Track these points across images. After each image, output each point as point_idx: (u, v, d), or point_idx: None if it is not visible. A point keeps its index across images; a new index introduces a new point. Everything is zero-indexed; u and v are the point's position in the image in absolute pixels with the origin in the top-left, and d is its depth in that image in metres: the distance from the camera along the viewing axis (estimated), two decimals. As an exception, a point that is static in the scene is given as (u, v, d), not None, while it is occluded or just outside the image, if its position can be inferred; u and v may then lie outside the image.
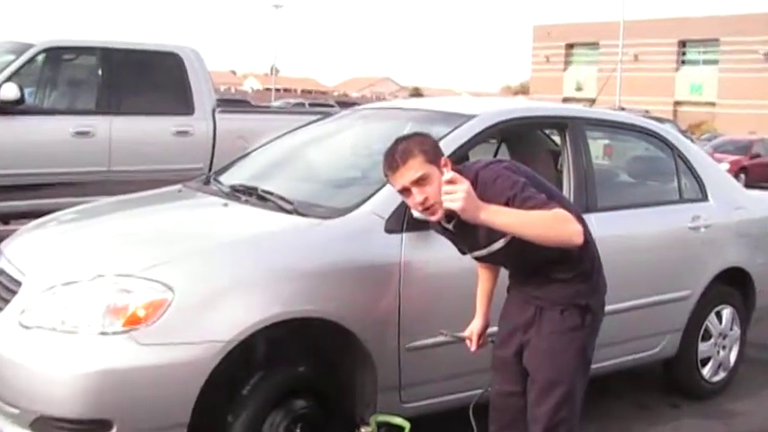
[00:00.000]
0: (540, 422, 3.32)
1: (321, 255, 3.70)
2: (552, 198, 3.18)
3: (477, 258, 3.43)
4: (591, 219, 4.37)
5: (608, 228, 4.57)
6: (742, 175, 24.34)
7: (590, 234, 3.38)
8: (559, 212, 3.05)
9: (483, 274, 3.65)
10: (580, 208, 4.39)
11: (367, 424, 3.36)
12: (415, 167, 3.07)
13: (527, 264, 3.30)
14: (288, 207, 4.02)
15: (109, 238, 4.01)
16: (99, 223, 4.43)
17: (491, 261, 3.47)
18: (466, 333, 3.65)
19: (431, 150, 3.13)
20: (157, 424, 3.33)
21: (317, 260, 3.68)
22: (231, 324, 3.38)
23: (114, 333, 3.27)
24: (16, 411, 3.36)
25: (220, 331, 3.36)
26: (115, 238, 4.00)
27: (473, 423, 3.63)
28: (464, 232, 3.25)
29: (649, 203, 5.32)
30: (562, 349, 3.29)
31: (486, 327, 3.65)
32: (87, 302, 3.34)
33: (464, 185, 2.91)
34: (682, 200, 5.49)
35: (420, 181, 3.08)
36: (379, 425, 3.37)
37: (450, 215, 3.16)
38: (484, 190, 3.03)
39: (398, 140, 3.19)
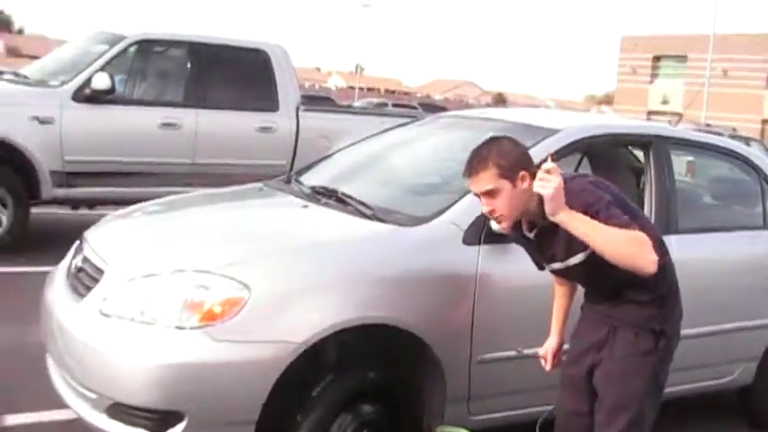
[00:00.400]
0: None
1: (398, 262, 3.71)
2: (635, 220, 3.14)
3: (554, 272, 3.42)
4: (671, 240, 4.31)
5: (689, 250, 4.49)
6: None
7: (669, 258, 3.34)
8: (639, 235, 3.01)
9: (559, 291, 3.62)
10: (661, 228, 4.35)
11: None
12: (486, 179, 3.13)
13: (603, 283, 3.28)
14: (367, 212, 4.04)
15: (190, 233, 4.08)
16: (181, 217, 4.53)
17: (568, 276, 3.45)
18: (541, 351, 3.63)
19: (508, 165, 3.13)
20: (227, 419, 3.38)
21: (394, 267, 3.70)
22: (305, 326, 3.41)
23: (191, 327, 3.33)
24: (94, 396, 3.44)
25: (294, 332, 3.39)
26: (196, 233, 4.07)
27: None
28: (544, 242, 3.27)
29: (732, 227, 5.22)
30: (633, 373, 3.26)
31: (561, 345, 3.62)
32: (166, 296, 3.41)
33: (558, 179, 2.95)
34: (766, 226, 5.36)
35: (489, 193, 3.13)
36: None
37: (533, 224, 3.21)
38: (569, 199, 3.02)
39: (483, 145, 3.22)
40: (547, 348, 3.62)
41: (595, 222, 2.99)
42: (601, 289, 3.32)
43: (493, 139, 3.27)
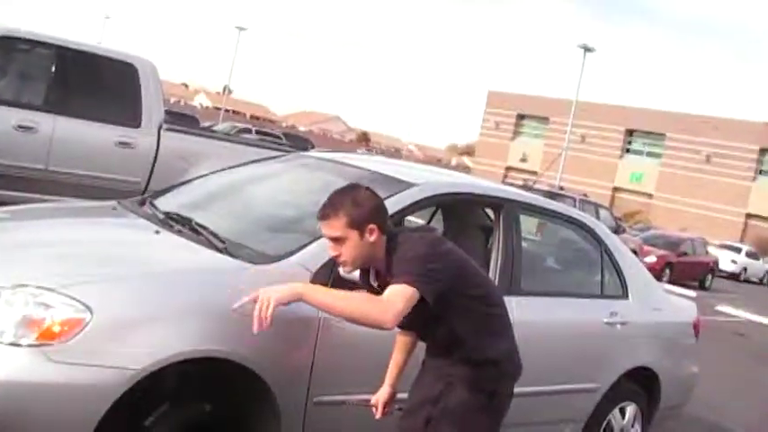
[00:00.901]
0: None
1: (242, 298, 3.70)
2: (474, 281, 3.37)
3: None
4: (512, 302, 4.48)
5: (528, 312, 4.68)
6: (668, 271, 24.86)
7: (506, 319, 3.49)
8: (372, 301, 3.17)
9: (399, 342, 3.71)
10: (504, 288, 4.53)
11: None
12: (334, 227, 3.29)
13: (439, 340, 3.39)
14: (219, 245, 4.04)
15: (36, 248, 3.97)
16: (29, 230, 4.41)
17: (408, 328, 3.55)
18: (372, 400, 3.70)
19: (358, 216, 3.27)
20: (55, 442, 3.30)
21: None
22: (144, 353, 3.37)
23: (27, 345, 3.24)
24: None
25: (133, 359, 3.35)
26: (43, 248, 3.96)
27: None
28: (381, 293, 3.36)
29: (571, 294, 5.46)
30: (463, 428, 3.36)
31: (392, 395, 3.71)
32: (4, 310, 3.31)
33: (261, 299, 3.21)
34: (602, 295, 5.63)
35: (336, 239, 3.29)
36: None
37: (379, 273, 3.35)
38: (398, 256, 3.23)
39: (340, 191, 3.36)
40: (378, 397, 3.71)
41: (335, 292, 3.23)
42: (438, 345, 3.43)
43: (350, 188, 3.40)
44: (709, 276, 29.03)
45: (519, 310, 4.48)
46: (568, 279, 5.95)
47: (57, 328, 3.28)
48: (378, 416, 3.69)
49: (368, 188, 3.43)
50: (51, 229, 4.48)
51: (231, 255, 3.96)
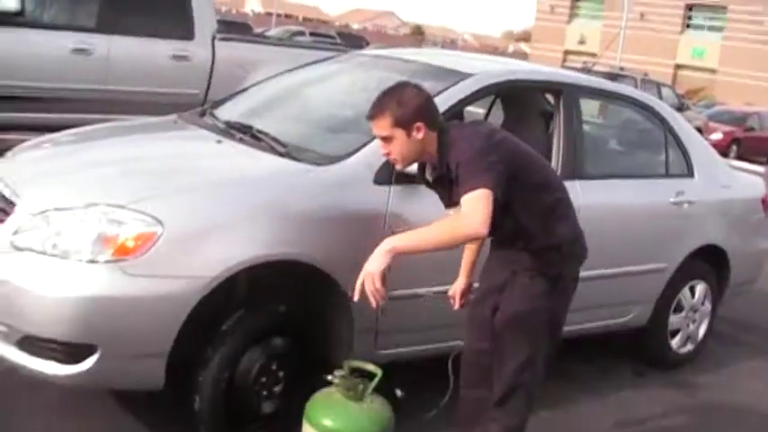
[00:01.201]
0: (502, 381, 3.44)
1: (309, 200, 3.76)
2: (532, 168, 3.38)
3: None
4: (576, 186, 4.48)
5: (593, 195, 4.67)
6: (734, 147, 24.40)
7: (568, 203, 3.51)
8: (456, 219, 3.15)
9: None
10: (567, 173, 4.52)
11: (341, 368, 3.45)
12: (381, 126, 3.31)
13: (504, 230, 3.40)
14: (281, 150, 4.08)
15: (103, 167, 4.04)
16: (94, 150, 4.49)
17: None
18: (450, 291, 3.75)
19: (404, 115, 3.27)
20: (139, 352, 3.43)
21: (306, 205, 3.75)
22: (216, 261, 3.46)
23: (104, 261, 3.34)
24: (4, 329, 3.44)
25: (206, 267, 3.44)
26: (110, 166, 4.04)
27: (450, 376, 3.71)
28: (439, 187, 3.45)
29: (636, 175, 5.42)
30: (528, 314, 3.40)
31: (469, 286, 3.77)
32: (79, 229, 3.41)
33: (362, 279, 3.18)
34: (668, 174, 5.58)
35: (384, 138, 3.32)
36: (352, 370, 3.46)
37: (433, 167, 3.40)
38: (451, 148, 3.25)
39: (386, 91, 3.36)
40: (455, 289, 3.76)
41: (421, 231, 3.19)
42: (503, 235, 3.44)
43: (397, 86, 3.39)
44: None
45: (584, 193, 4.47)
46: (633, 160, 5.89)
47: (130, 243, 3.37)
48: (456, 307, 3.76)
49: (415, 85, 3.41)
50: (116, 148, 4.56)
51: (294, 158, 4.00)
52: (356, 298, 3.23)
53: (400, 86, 3.39)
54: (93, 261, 3.35)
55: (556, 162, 4.72)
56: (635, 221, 5.15)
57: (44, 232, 3.45)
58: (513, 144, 3.38)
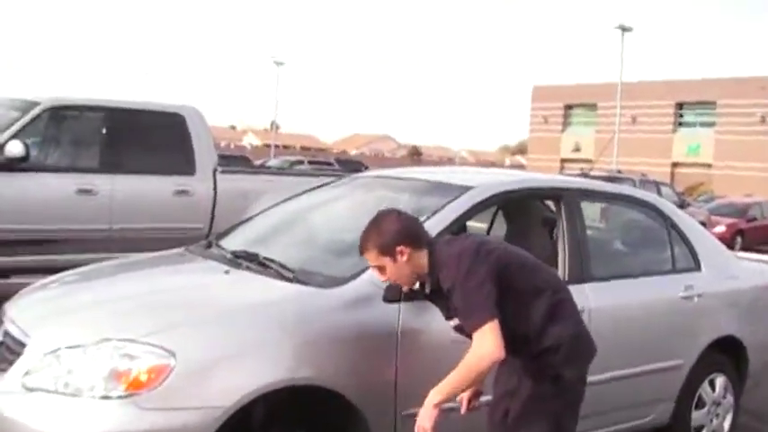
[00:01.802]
0: None
1: (320, 323, 3.78)
2: (529, 272, 3.46)
3: (454, 328, 3.59)
4: (585, 289, 4.48)
5: (602, 297, 4.67)
6: (739, 238, 24.42)
7: (568, 304, 3.52)
8: (476, 354, 3.27)
9: None
10: (575, 277, 4.52)
11: None
12: (369, 258, 3.51)
13: (503, 337, 3.42)
14: (288, 275, 4.11)
15: (112, 302, 4.07)
16: (102, 286, 4.52)
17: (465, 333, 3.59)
18: (457, 398, 3.70)
19: (385, 244, 3.45)
20: (156, 488, 3.38)
21: (317, 329, 3.76)
22: (231, 390, 3.45)
23: (117, 397, 3.33)
24: (21, 472, 3.39)
25: (221, 397, 3.42)
26: (119, 301, 4.07)
27: None
28: (437, 302, 3.57)
29: (643, 273, 5.42)
30: (532, 417, 3.41)
31: (476, 393, 3.72)
32: (91, 366, 3.41)
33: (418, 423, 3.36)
34: (675, 270, 5.58)
35: (378, 268, 3.50)
36: None
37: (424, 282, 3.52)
38: (441, 268, 3.39)
39: (367, 226, 3.54)
40: (462, 395, 3.71)
41: (450, 377, 3.35)
42: (504, 342, 3.45)
43: (377, 217, 3.56)
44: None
45: (593, 295, 4.48)
46: (638, 259, 5.90)
47: (144, 377, 3.37)
48: (462, 411, 3.71)
49: (396, 212, 3.59)
50: (124, 283, 4.59)
51: (302, 282, 4.03)
52: None
53: (380, 216, 3.54)
54: (106, 397, 3.34)
55: (562, 267, 4.74)
56: (646, 319, 5.13)
57: (55, 371, 3.44)
58: (503, 253, 3.45)
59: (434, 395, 3.36)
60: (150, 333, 3.50)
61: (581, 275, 4.72)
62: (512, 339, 3.37)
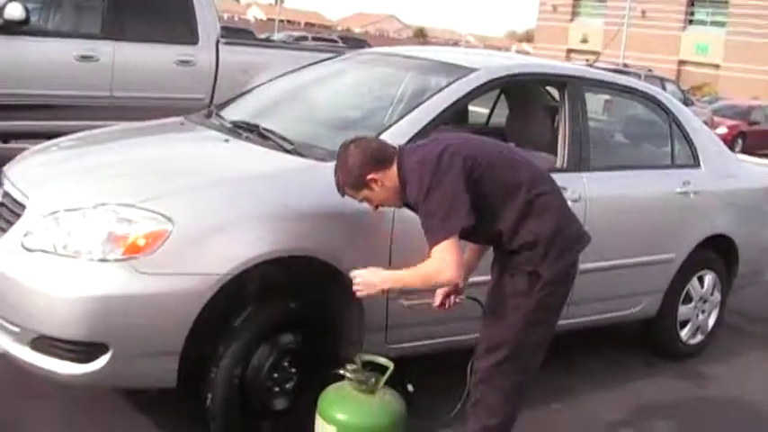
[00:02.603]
0: (478, 376, 3.44)
1: (317, 196, 3.76)
2: (498, 171, 3.33)
3: None
4: (583, 178, 4.50)
5: (599, 187, 4.68)
6: (740, 141, 24.34)
7: (552, 197, 3.43)
8: (431, 267, 3.20)
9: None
10: (573, 166, 4.53)
11: (353, 362, 3.47)
12: (351, 196, 3.46)
13: (474, 238, 3.46)
14: (288, 147, 4.11)
15: (112, 167, 4.09)
16: (102, 151, 4.52)
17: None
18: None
19: (356, 180, 3.37)
20: (151, 350, 3.45)
21: (314, 201, 3.76)
22: (227, 258, 3.48)
23: (114, 260, 3.36)
24: (17, 330, 3.47)
25: (216, 264, 3.46)
26: (118, 167, 4.08)
27: (468, 378, 3.55)
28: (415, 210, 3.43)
29: (642, 166, 5.43)
30: (507, 313, 3.36)
31: (455, 288, 3.63)
32: (89, 229, 3.43)
33: (360, 278, 3.37)
34: (674, 165, 5.59)
35: (363, 201, 3.46)
36: (364, 364, 3.48)
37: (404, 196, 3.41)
38: (405, 180, 3.31)
39: (335, 171, 3.45)
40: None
41: (402, 275, 3.31)
42: (485, 241, 3.48)
43: (339, 156, 3.43)
44: (784, 143, 28.33)
45: (590, 185, 4.50)
46: (638, 152, 5.90)
47: (141, 242, 3.39)
48: (434, 304, 3.67)
49: (352, 143, 3.43)
50: (124, 149, 4.59)
51: (301, 155, 4.02)
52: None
53: (341, 155, 3.42)
54: (103, 260, 3.37)
55: (561, 155, 4.74)
56: (642, 212, 5.16)
57: (54, 233, 3.47)
58: (470, 153, 3.29)
59: (384, 279, 3.35)
60: (148, 198, 3.51)
61: (579, 164, 4.72)
62: (490, 236, 3.37)
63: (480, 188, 3.24)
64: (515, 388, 3.44)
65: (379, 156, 3.37)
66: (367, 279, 3.36)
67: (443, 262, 3.15)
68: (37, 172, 4.17)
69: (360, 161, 3.35)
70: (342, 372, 3.42)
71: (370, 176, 3.33)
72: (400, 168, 3.32)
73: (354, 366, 3.44)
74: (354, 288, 3.38)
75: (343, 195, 3.46)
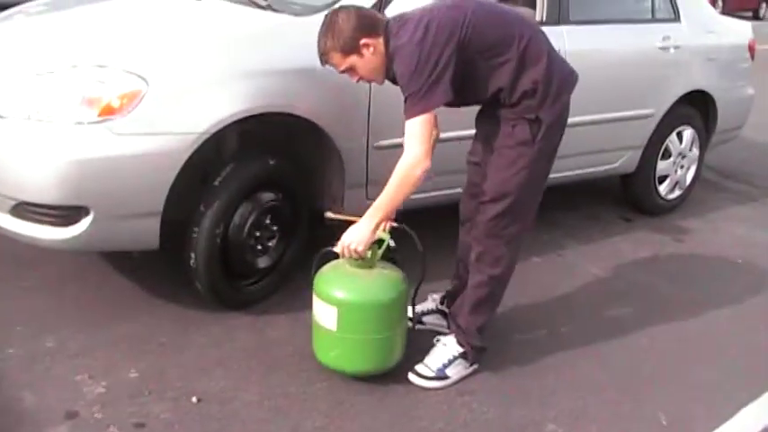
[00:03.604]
0: (481, 228, 3.45)
1: (294, 52, 3.69)
2: (488, 29, 3.24)
3: None
4: (562, 31, 4.45)
5: (578, 41, 4.64)
6: (720, 2, 24.11)
7: (537, 48, 3.34)
8: (403, 167, 3.15)
9: None
10: (552, 19, 4.47)
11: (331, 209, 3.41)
12: (336, 63, 3.30)
13: (475, 102, 3.42)
14: (262, 3, 4.02)
15: (81, 30, 3.99)
16: (69, 15, 4.37)
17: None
18: None
19: (345, 43, 3.23)
20: (132, 211, 3.43)
21: (291, 57, 3.69)
22: (204, 116, 3.43)
23: (90, 123, 3.30)
24: (-3, 198, 3.43)
25: (194, 123, 3.41)
26: (90, 29, 3.98)
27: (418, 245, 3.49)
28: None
29: (621, 20, 5.35)
30: (510, 163, 3.35)
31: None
32: (63, 92, 3.36)
33: (345, 241, 3.24)
34: (654, 19, 5.52)
35: (348, 71, 3.31)
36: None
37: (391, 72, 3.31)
38: (393, 58, 3.21)
39: (320, 32, 3.30)
40: None
41: (386, 192, 3.20)
42: (478, 102, 3.43)
43: (328, 23, 3.29)
44: (764, 6, 28.06)
45: (569, 38, 4.46)
46: (618, 6, 5.77)
47: (116, 103, 3.33)
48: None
49: (341, 9, 3.32)
50: (92, 12, 4.43)
51: (276, 10, 3.94)
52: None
53: (332, 17, 3.30)
54: (79, 123, 3.31)
55: (540, 8, 4.67)
56: (621, 66, 5.14)
57: (27, 98, 3.40)
58: (457, 19, 3.19)
59: (373, 216, 3.25)
60: (121, 59, 3.43)
61: (558, 18, 4.66)
62: (488, 95, 3.31)
63: (469, 53, 3.18)
64: (516, 235, 3.47)
65: (371, 22, 3.28)
66: (354, 237, 3.24)
67: (415, 151, 3.12)
68: (4, 39, 4.07)
69: (352, 24, 3.24)
70: (336, 249, 3.33)
71: (363, 41, 3.23)
72: (387, 42, 3.24)
73: (334, 214, 3.41)
74: (349, 253, 3.25)
75: (324, 64, 3.34)
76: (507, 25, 3.33)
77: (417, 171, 3.14)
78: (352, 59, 3.26)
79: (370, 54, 3.24)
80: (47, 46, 3.79)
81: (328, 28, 3.28)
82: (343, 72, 3.33)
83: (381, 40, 3.24)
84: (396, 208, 3.28)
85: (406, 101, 3.14)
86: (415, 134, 3.12)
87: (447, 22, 3.16)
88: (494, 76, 3.26)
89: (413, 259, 3.36)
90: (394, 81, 3.30)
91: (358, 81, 3.38)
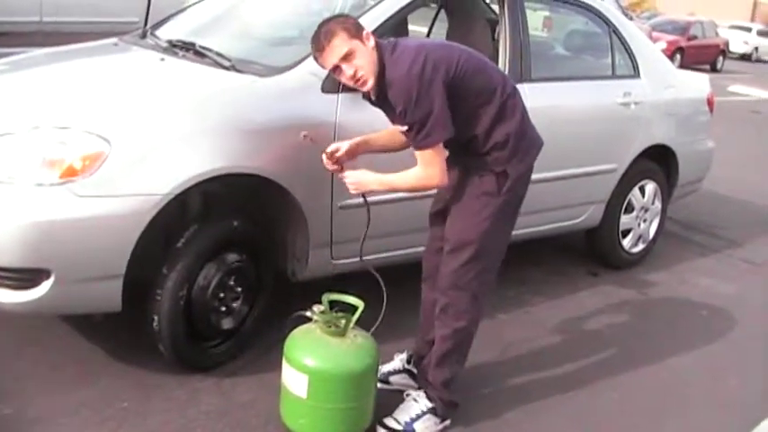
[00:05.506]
0: (445, 279, 3.46)
1: (258, 112, 3.71)
2: (480, 71, 3.33)
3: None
4: (524, 88, 4.47)
5: (540, 98, 4.66)
6: (678, 56, 24.60)
7: (513, 101, 3.41)
8: (420, 173, 3.30)
9: (391, 133, 3.57)
10: (514, 77, 4.50)
11: (319, 302, 3.38)
12: (339, 44, 3.21)
13: (448, 145, 3.40)
14: (225, 63, 4.01)
15: (44, 90, 3.95)
16: (33, 75, 4.36)
17: None
18: (331, 147, 3.55)
19: (352, 27, 3.24)
20: (94, 274, 3.38)
21: (254, 117, 3.69)
22: (168, 178, 3.40)
23: (51, 185, 3.26)
24: (-45, 259, 3.36)
25: (157, 184, 3.38)
26: (51, 90, 3.95)
27: (383, 290, 3.58)
28: (381, 106, 3.40)
29: (582, 77, 5.42)
30: (475, 212, 3.39)
31: (351, 151, 3.54)
32: (23, 154, 3.33)
33: (350, 178, 3.45)
34: (614, 76, 5.60)
35: (347, 56, 3.22)
36: (332, 303, 3.41)
37: (377, 89, 3.29)
38: (390, 84, 3.21)
39: (321, 24, 3.29)
40: (339, 146, 3.55)
41: (392, 180, 3.40)
42: (452, 145, 3.43)
43: (319, 34, 3.27)
44: (721, 58, 28.76)
45: (532, 96, 4.46)
46: (579, 64, 5.89)
47: (78, 164, 3.29)
48: (324, 162, 3.54)
49: (329, 19, 3.34)
50: (55, 72, 4.42)
51: (239, 71, 3.93)
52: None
53: (320, 30, 3.27)
54: (40, 184, 3.26)
55: (503, 67, 4.70)
56: (583, 122, 5.19)
57: (-12, 159, 3.35)
58: (450, 59, 3.25)
59: (374, 182, 3.44)
60: (84, 120, 3.41)
61: (521, 75, 4.70)
62: (461, 140, 3.34)
63: (457, 95, 3.23)
64: (481, 289, 3.48)
65: (359, 26, 3.30)
66: (359, 179, 3.43)
67: (431, 170, 3.27)
68: (-33, 98, 4.03)
69: (345, 24, 3.26)
70: (308, 314, 3.31)
71: (366, 32, 3.26)
72: (381, 60, 3.22)
73: (322, 308, 3.33)
74: (348, 186, 3.46)
75: (322, 49, 3.22)
76: (494, 74, 3.44)
77: (430, 186, 3.41)
78: (356, 43, 3.21)
79: (371, 47, 3.23)
80: (7, 106, 3.76)
81: (329, 19, 3.31)
82: (340, 61, 3.21)
83: (370, 47, 3.24)
84: (391, 191, 3.59)
85: (409, 130, 3.21)
86: (430, 162, 3.27)
87: (442, 60, 3.22)
88: (472, 121, 3.31)
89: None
90: (373, 102, 3.39)
91: (354, 75, 3.23)
